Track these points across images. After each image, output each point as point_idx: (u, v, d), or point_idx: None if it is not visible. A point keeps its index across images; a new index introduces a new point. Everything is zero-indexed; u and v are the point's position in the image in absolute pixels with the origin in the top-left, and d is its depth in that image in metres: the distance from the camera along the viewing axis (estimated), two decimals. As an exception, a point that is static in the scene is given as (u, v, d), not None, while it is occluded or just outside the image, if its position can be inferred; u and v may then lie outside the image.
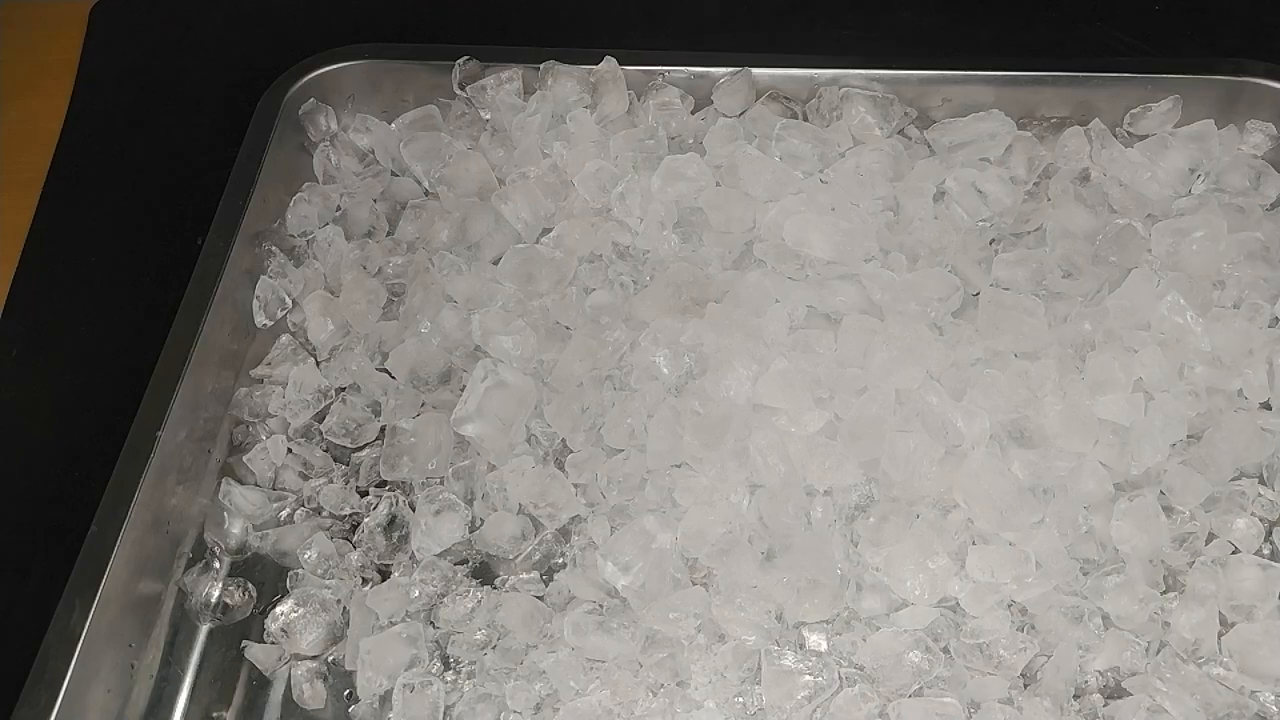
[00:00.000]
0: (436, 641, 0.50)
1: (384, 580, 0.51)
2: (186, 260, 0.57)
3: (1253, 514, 0.50)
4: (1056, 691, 0.47)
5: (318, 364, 0.57)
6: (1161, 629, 0.48)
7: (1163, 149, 0.59)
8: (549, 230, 0.59)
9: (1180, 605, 0.48)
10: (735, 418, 0.51)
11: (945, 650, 0.48)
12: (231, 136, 0.61)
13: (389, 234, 0.61)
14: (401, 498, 0.53)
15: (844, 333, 0.54)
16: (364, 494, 0.54)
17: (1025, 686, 0.47)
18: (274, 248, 0.59)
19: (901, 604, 0.49)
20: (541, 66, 0.63)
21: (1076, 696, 0.47)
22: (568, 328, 0.56)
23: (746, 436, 0.51)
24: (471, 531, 0.52)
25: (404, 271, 0.59)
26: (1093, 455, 0.51)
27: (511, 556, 0.51)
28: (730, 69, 0.63)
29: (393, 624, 0.49)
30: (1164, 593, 0.49)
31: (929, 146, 0.61)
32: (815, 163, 0.60)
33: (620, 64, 0.62)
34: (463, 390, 0.53)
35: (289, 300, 0.58)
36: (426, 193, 0.62)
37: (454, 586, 0.50)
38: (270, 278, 0.58)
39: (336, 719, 0.49)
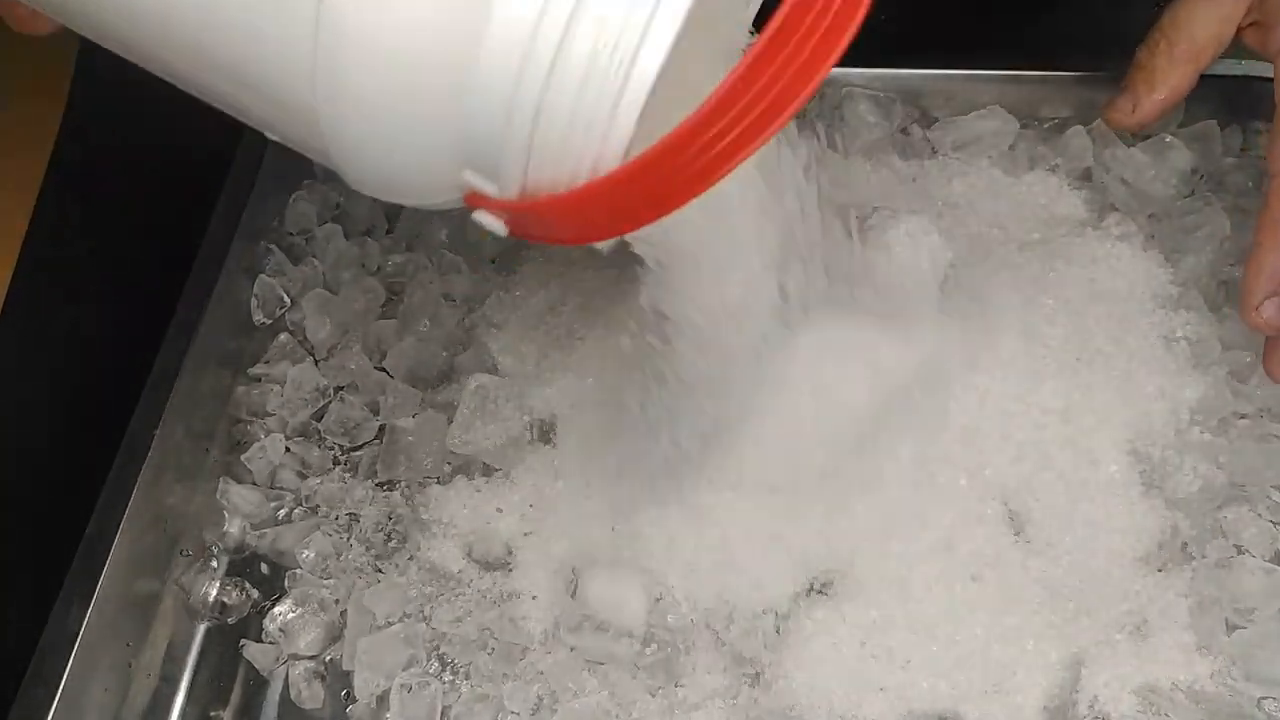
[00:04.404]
0: (434, 642, 0.49)
1: (381, 580, 0.51)
2: (185, 259, 0.57)
3: (1259, 515, 0.50)
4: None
5: (316, 362, 0.57)
6: (1162, 631, 0.48)
7: (1165, 149, 0.59)
8: (549, 229, 0.59)
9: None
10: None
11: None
12: (231, 135, 0.61)
13: (388, 232, 0.61)
14: (399, 497, 0.53)
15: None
16: (362, 493, 0.53)
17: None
18: (272, 246, 0.59)
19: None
20: (542, 65, 0.62)
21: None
22: (568, 327, 0.56)
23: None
24: (470, 531, 0.52)
25: (403, 270, 0.59)
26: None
27: (510, 556, 0.51)
28: (731, 68, 0.62)
29: (390, 624, 0.49)
30: (1165, 594, 0.49)
31: (931, 145, 0.61)
32: (816, 162, 0.60)
33: (621, 63, 0.62)
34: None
35: (287, 299, 0.58)
36: (426, 191, 0.62)
37: (452, 586, 0.50)
38: (269, 276, 0.58)
39: (334, 719, 0.49)
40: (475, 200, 0.31)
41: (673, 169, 0.27)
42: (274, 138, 0.33)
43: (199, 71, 0.31)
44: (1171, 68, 0.49)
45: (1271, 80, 0.48)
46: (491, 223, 0.31)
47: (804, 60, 0.27)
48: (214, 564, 0.52)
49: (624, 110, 0.27)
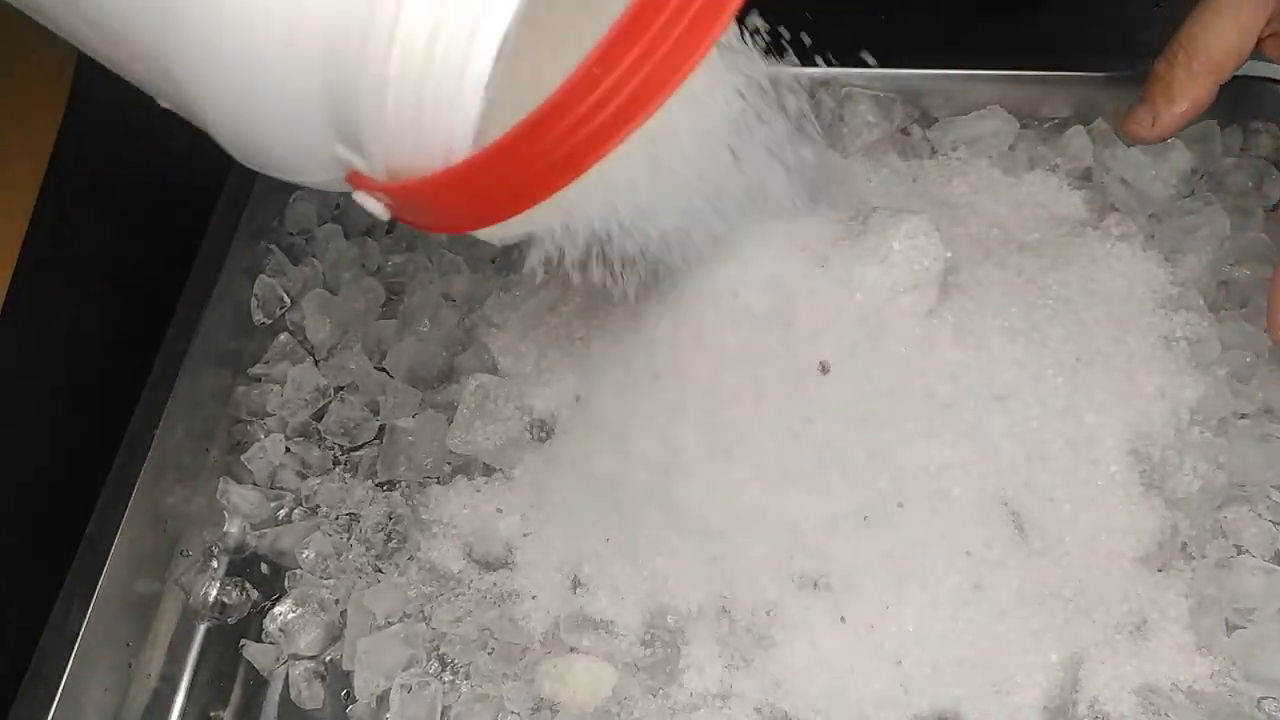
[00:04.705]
0: (434, 642, 0.49)
1: (381, 580, 0.51)
2: (185, 259, 0.57)
3: (1259, 515, 0.50)
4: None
5: (316, 363, 0.57)
6: (1163, 632, 0.48)
7: (1166, 149, 0.59)
8: (548, 229, 0.59)
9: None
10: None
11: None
12: (231, 135, 0.61)
13: (388, 232, 0.61)
14: (399, 497, 0.53)
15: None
16: (362, 493, 0.53)
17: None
18: (272, 246, 0.59)
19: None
20: (542, 65, 0.62)
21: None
22: (569, 327, 0.56)
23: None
24: (470, 531, 0.52)
25: (403, 270, 0.59)
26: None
27: (510, 556, 0.51)
28: (731, 68, 0.62)
29: (390, 624, 0.49)
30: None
31: (931, 145, 0.61)
32: (816, 162, 0.60)
33: (621, 63, 0.62)
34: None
35: (287, 299, 0.58)
36: (426, 191, 0.62)
37: (452, 586, 0.50)
38: (269, 276, 0.58)
39: (334, 719, 0.49)
40: (355, 180, 0.30)
41: (531, 156, 0.26)
42: (164, 105, 0.32)
43: (81, 27, 0.30)
44: (1191, 80, 0.49)
45: (1270, 81, 0.48)
46: (372, 205, 0.30)
47: (670, 48, 0.26)
48: (214, 564, 0.53)
49: (470, 83, 0.26)
